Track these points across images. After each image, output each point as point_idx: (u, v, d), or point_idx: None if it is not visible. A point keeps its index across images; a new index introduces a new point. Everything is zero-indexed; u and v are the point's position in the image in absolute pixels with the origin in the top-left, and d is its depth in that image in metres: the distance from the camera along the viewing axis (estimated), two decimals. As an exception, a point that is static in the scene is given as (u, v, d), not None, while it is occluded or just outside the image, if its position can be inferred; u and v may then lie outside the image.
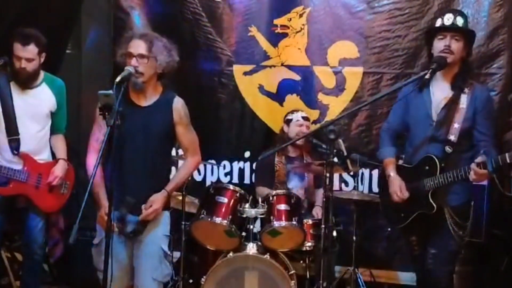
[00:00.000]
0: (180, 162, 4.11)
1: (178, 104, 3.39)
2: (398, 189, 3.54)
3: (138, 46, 3.22)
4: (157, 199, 3.29)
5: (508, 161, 3.11)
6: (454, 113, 3.43)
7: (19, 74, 3.84)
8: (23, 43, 3.78)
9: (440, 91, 3.51)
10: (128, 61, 3.21)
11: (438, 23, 3.50)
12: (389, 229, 4.20)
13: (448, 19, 3.44)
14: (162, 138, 3.36)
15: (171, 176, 3.53)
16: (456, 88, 3.46)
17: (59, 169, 4.01)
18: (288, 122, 4.64)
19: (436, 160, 3.40)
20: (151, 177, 3.33)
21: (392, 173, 3.63)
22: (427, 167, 3.45)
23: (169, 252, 3.47)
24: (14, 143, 3.87)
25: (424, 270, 3.55)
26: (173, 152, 4.40)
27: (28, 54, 3.80)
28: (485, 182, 4.26)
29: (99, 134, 3.32)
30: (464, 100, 3.43)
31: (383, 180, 3.76)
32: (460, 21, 3.43)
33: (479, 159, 3.20)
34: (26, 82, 3.90)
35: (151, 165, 3.32)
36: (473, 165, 3.20)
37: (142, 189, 3.30)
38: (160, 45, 3.28)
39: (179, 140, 3.44)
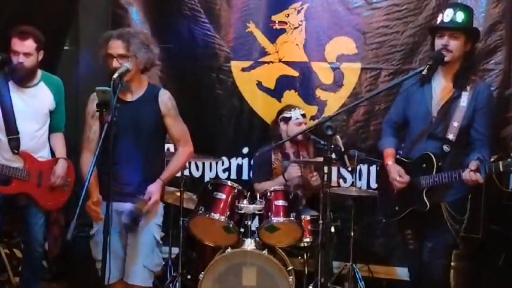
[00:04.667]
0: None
1: (165, 96, 3.45)
2: (397, 174, 3.53)
3: (116, 47, 3.27)
4: (155, 190, 3.35)
5: (501, 169, 3.14)
6: (454, 111, 3.42)
7: (17, 70, 3.84)
8: (21, 37, 3.79)
9: (441, 88, 3.50)
10: (110, 62, 3.25)
11: (438, 19, 3.48)
12: (383, 221, 4.21)
13: (447, 15, 3.41)
14: (152, 131, 3.41)
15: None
16: (458, 86, 3.45)
17: (60, 169, 4.02)
18: (286, 120, 4.59)
19: (434, 159, 3.41)
20: (144, 171, 3.39)
21: (390, 161, 3.63)
22: (424, 165, 3.45)
23: (160, 241, 3.51)
24: (14, 142, 3.87)
25: (420, 263, 3.57)
26: (172, 149, 4.42)
27: (26, 49, 3.80)
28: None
29: (89, 133, 3.40)
30: (465, 98, 3.41)
31: (382, 173, 3.77)
32: (460, 16, 3.38)
33: (474, 165, 3.22)
34: (24, 78, 3.89)
35: (143, 159, 3.38)
36: (467, 171, 3.22)
37: (135, 182, 3.36)
38: (137, 42, 3.30)
39: (169, 132, 3.50)
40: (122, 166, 3.29)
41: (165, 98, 3.44)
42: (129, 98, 3.39)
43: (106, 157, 2.87)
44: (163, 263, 3.63)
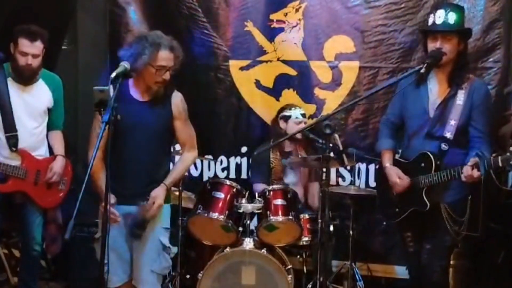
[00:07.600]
0: (177, 157, 4.11)
1: (177, 98, 3.44)
2: (396, 177, 3.54)
3: (169, 59, 3.27)
4: (158, 195, 3.31)
5: (500, 164, 3.13)
6: (450, 109, 3.42)
7: (24, 70, 3.83)
8: (30, 39, 3.77)
9: (437, 88, 3.50)
10: (157, 73, 3.24)
11: (430, 20, 3.46)
12: (384, 223, 4.20)
13: (439, 16, 3.39)
14: (161, 133, 3.39)
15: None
16: (454, 85, 3.45)
17: (58, 166, 4.01)
18: (285, 118, 4.58)
19: (432, 158, 3.40)
20: (151, 171, 3.37)
21: (388, 163, 3.63)
22: (422, 164, 3.45)
23: (168, 245, 3.47)
24: (12, 139, 3.86)
25: (419, 265, 3.56)
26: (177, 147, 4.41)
27: (35, 50, 3.80)
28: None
29: (99, 130, 3.31)
30: (461, 96, 3.41)
31: (380, 174, 3.76)
32: (452, 17, 3.37)
33: (472, 161, 3.21)
34: (30, 78, 3.90)
35: (151, 159, 3.36)
36: (466, 168, 3.21)
37: (141, 183, 3.33)
38: (180, 52, 3.32)
39: (176, 135, 3.47)
40: (129, 167, 3.28)
41: (178, 101, 3.42)
42: (142, 98, 3.35)
43: (113, 156, 2.85)
44: (171, 264, 3.61)
